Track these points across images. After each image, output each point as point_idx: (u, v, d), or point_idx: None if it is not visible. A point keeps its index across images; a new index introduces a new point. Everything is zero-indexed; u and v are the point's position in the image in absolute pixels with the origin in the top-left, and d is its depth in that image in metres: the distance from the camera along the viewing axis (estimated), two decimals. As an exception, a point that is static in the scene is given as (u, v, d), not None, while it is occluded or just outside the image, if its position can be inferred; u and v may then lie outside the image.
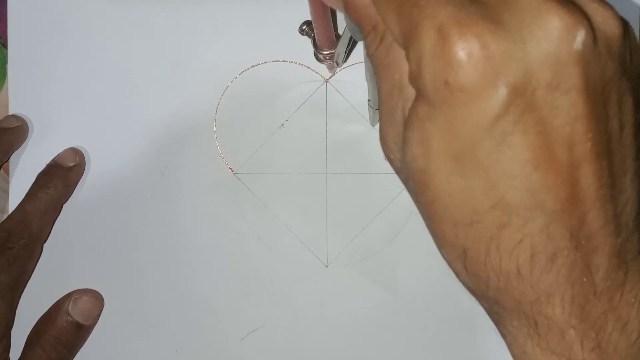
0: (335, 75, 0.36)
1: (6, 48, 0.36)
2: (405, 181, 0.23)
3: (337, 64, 0.35)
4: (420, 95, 0.20)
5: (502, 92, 0.19)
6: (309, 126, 0.36)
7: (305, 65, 0.36)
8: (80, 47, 0.36)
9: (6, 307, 0.33)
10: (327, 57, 0.34)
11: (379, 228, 0.36)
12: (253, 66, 0.36)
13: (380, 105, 0.25)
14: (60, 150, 0.36)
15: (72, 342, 0.35)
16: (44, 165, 0.36)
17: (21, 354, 0.34)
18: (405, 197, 0.36)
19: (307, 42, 0.36)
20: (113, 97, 0.36)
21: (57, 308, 0.35)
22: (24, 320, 0.35)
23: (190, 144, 0.36)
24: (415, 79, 0.20)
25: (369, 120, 0.36)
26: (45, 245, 0.36)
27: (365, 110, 0.36)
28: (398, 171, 0.24)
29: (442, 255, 0.23)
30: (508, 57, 0.19)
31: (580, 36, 0.19)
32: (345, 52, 0.34)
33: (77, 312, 0.35)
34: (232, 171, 0.36)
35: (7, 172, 0.36)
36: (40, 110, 0.36)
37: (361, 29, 0.24)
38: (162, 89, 0.36)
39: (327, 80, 0.36)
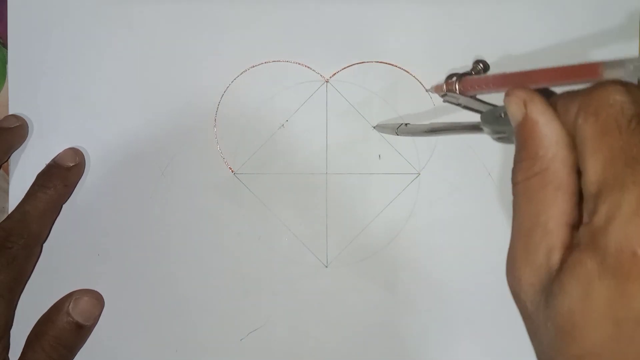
0: (335, 75, 0.36)
1: (6, 48, 0.36)
2: (539, 324, 0.23)
3: (397, 133, 0.35)
4: (593, 250, 0.20)
5: None
6: (309, 126, 0.36)
7: (305, 65, 0.36)
8: (80, 47, 0.36)
9: (5, 307, 0.33)
10: (449, 91, 0.34)
11: (379, 228, 0.36)
12: (253, 66, 0.36)
13: (516, 238, 0.24)
14: (60, 150, 0.36)
15: (72, 343, 0.35)
16: (44, 165, 0.36)
17: (21, 354, 0.34)
18: (405, 197, 0.36)
19: (307, 42, 0.36)
20: (113, 97, 0.36)
21: (58, 308, 0.35)
22: (24, 320, 0.35)
23: (190, 144, 0.36)
24: (596, 233, 0.20)
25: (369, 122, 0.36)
26: (45, 245, 0.36)
27: (365, 110, 0.36)
28: (528, 312, 0.24)
29: None
30: None
31: None
32: (412, 133, 0.34)
33: (77, 312, 0.35)
34: (232, 171, 0.36)
35: (7, 171, 0.36)
36: (40, 110, 0.36)
37: (520, 150, 0.24)
38: (162, 89, 0.36)
39: (327, 80, 0.36)
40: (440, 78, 0.36)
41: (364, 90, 0.36)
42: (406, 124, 0.34)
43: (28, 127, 0.36)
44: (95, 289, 0.36)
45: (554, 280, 0.22)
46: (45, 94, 0.36)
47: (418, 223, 0.36)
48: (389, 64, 0.36)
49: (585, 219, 0.21)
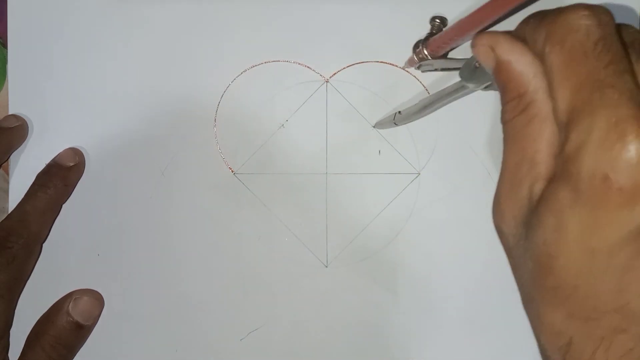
0: (335, 75, 0.36)
1: (6, 48, 0.36)
2: (519, 258, 0.23)
3: (395, 124, 0.35)
4: (565, 179, 0.20)
5: None
6: (309, 126, 0.36)
7: (305, 65, 0.36)
8: (80, 47, 0.36)
9: (5, 307, 0.33)
10: (421, 59, 0.33)
11: (379, 228, 0.36)
12: (253, 66, 0.36)
13: (503, 175, 0.24)
14: (60, 149, 0.36)
15: (72, 342, 0.35)
16: (44, 165, 0.36)
17: (21, 354, 0.34)
18: (405, 197, 0.36)
19: (307, 42, 0.36)
20: (113, 97, 0.36)
21: (58, 308, 0.35)
22: (24, 320, 0.35)
23: (190, 144, 0.36)
24: (568, 161, 0.20)
25: (368, 121, 0.36)
26: (45, 245, 0.36)
27: (365, 110, 0.36)
28: (509, 246, 0.24)
29: (539, 340, 0.23)
30: None
31: None
32: (409, 118, 0.34)
33: (77, 312, 0.35)
34: (232, 171, 0.36)
35: (7, 171, 0.36)
36: (40, 110, 0.36)
37: (503, 93, 0.24)
38: (162, 89, 0.36)
39: (327, 80, 0.36)
40: (441, 78, 0.36)
41: (364, 90, 0.36)
42: (399, 112, 0.34)
43: (28, 127, 0.36)
44: (95, 289, 0.36)
45: (533, 213, 0.22)
46: (45, 93, 0.36)
47: (418, 223, 0.36)
48: (389, 63, 0.36)
49: (558, 148, 0.21)
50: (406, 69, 0.36)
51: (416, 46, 0.34)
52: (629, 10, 0.36)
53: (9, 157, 0.36)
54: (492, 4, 0.26)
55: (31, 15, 0.36)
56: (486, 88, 0.28)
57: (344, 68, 0.36)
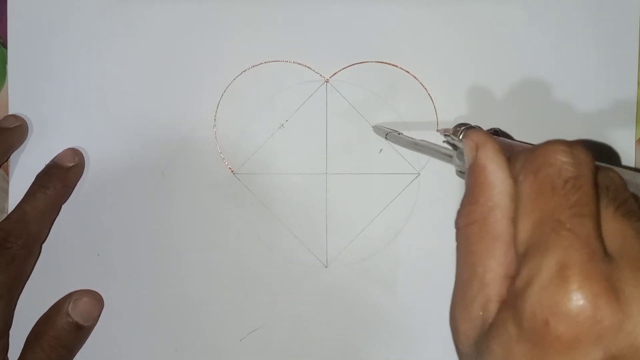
0: (335, 75, 0.36)
1: (6, 48, 0.36)
2: None
3: (386, 138, 0.35)
4: (513, 312, 0.20)
5: (598, 357, 0.18)
6: (309, 126, 0.36)
7: (305, 65, 0.36)
8: (80, 47, 0.36)
9: (4, 307, 0.33)
10: (450, 136, 0.32)
11: (379, 228, 0.36)
12: (253, 66, 0.36)
13: (456, 289, 0.24)
14: (60, 150, 0.36)
15: (71, 343, 0.34)
16: (44, 165, 0.36)
17: (20, 355, 0.33)
18: (405, 197, 0.36)
19: (307, 42, 0.36)
20: (113, 97, 0.36)
21: (57, 309, 0.35)
22: (24, 320, 0.34)
23: (190, 144, 0.36)
24: (516, 295, 0.20)
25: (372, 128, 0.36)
26: (45, 245, 0.36)
27: (364, 110, 0.36)
28: (463, 357, 0.23)
29: None
30: (618, 328, 0.18)
31: None
32: (398, 142, 0.34)
33: (77, 313, 0.35)
34: (232, 171, 0.36)
35: (6, 171, 0.36)
36: (39, 110, 0.36)
37: (465, 194, 0.24)
38: (162, 89, 0.36)
39: (327, 81, 0.36)
40: (441, 78, 0.36)
41: (364, 90, 0.36)
42: (399, 133, 0.34)
43: (27, 127, 0.36)
44: (95, 289, 0.36)
45: (484, 337, 0.21)
46: (45, 93, 0.36)
47: (418, 223, 0.36)
48: (389, 64, 0.36)
49: (510, 270, 0.21)
50: (438, 132, 0.35)
51: (459, 125, 0.33)
52: (630, 7, 0.36)
53: (9, 157, 0.36)
54: None
55: (31, 15, 0.36)
56: (459, 173, 0.28)
57: (344, 68, 0.36)
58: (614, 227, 0.20)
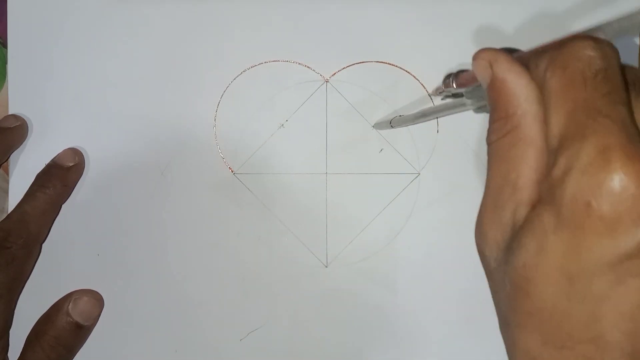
0: (335, 75, 0.36)
1: (6, 48, 0.36)
2: (499, 281, 0.23)
3: (392, 126, 0.35)
4: (549, 203, 0.20)
5: (638, 238, 0.18)
6: (308, 126, 0.36)
7: (305, 65, 0.36)
8: (80, 46, 0.36)
9: (4, 307, 0.33)
10: (444, 90, 0.32)
11: (379, 228, 0.36)
12: (253, 66, 0.36)
13: (486, 198, 0.24)
14: (60, 149, 0.36)
15: (71, 343, 0.34)
16: (44, 165, 0.35)
17: (20, 354, 0.33)
18: (405, 197, 0.36)
19: (307, 42, 0.36)
20: (113, 97, 0.36)
21: (57, 308, 0.35)
22: (23, 320, 0.34)
23: (190, 144, 0.36)
24: (553, 185, 0.20)
25: (367, 120, 0.36)
26: (44, 245, 0.36)
27: (364, 110, 0.36)
28: (490, 269, 0.24)
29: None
30: None
31: None
32: (405, 123, 0.34)
33: (77, 312, 0.35)
34: (232, 171, 0.36)
35: (6, 171, 0.36)
36: (39, 110, 0.36)
37: (492, 112, 0.24)
38: (162, 89, 0.36)
39: (327, 80, 0.36)
40: (440, 77, 0.36)
41: (364, 90, 0.36)
42: (400, 115, 0.34)
43: (28, 127, 0.36)
44: (95, 289, 0.36)
45: (515, 237, 0.22)
46: (45, 93, 0.36)
47: (418, 223, 0.36)
48: (389, 63, 0.36)
49: (542, 175, 0.21)
50: (432, 96, 0.36)
51: (446, 78, 0.34)
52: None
53: (9, 157, 0.36)
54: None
55: (31, 15, 0.36)
56: (479, 109, 0.28)
57: (344, 68, 0.36)
58: None
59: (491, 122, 0.24)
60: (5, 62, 0.36)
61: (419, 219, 0.36)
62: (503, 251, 0.22)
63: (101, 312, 0.36)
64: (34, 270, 0.35)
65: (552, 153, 0.20)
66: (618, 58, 0.21)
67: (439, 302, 0.36)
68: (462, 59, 0.36)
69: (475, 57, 0.25)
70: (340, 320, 0.36)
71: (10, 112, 0.36)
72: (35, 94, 0.36)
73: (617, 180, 0.18)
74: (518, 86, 0.23)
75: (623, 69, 0.21)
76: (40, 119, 0.36)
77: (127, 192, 0.36)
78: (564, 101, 0.20)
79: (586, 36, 0.21)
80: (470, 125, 0.36)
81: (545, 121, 0.22)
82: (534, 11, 0.36)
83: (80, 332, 0.35)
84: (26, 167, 0.36)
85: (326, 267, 0.36)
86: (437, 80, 0.36)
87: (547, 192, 0.20)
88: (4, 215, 0.35)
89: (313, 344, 0.36)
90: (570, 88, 0.20)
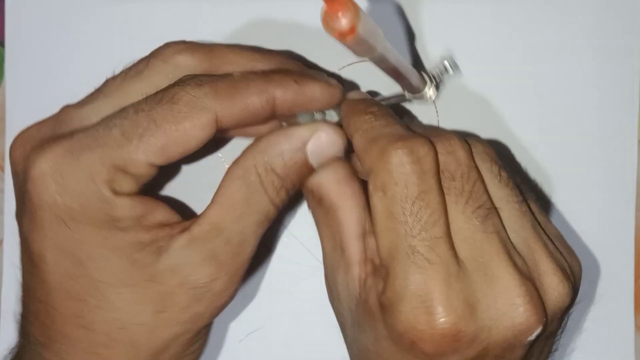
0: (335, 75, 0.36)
1: (3, 47, 0.36)
2: (347, 324, 0.27)
3: None
4: (383, 320, 0.23)
5: None
6: (308, 126, 0.36)
7: (305, 65, 0.36)
8: (79, 46, 0.36)
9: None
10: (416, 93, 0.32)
11: (379, 228, 0.36)
12: (253, 65, 0.36)
13: (324, 259, 0.28)
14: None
15: (294, 189, 0.27)
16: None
17: (220, 189, 0.27)
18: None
19: (307, 42, 0.36)
20: (111, 97, 0.36)
21: (290, 138, 0.26)
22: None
23: (189, 143, 0.36)
24: (384, 307, 0.23)
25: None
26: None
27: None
28: (340, 316, 0.27)
29: None
30: (474, 338, 0.22)
31: (537, 331, 0.22)
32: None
33: (315, 150, 0.26)
34: (232, 171, 0.36)
35: (2, 170, 0.36)
36: (37, 109, 0.36)
37: (318, 226, 0.27)
38: (161, 89, 0.36)
39: (327, 80, 0.36)
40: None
41: (364, 89, 0.36)
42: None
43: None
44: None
45: (358, 318, 0.25)
46: (43, 93, 0.36)
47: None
48: (390, 63, 0.36)
49: (377, 282, 0.24)
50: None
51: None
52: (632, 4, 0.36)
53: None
54: None
55: (29, 14, 0.36)
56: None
57: (344, 67, 0.36)
58: (464, 228, 0.22)
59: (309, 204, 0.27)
60: (2, 61, 0.36)
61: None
62: (352, 319, 0.26)
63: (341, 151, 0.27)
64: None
65: (381, 267, 0.23)
66: (435, 162, 0.23)
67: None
68: (462, 58, 0.36)
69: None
70: (340, 321, 0.36)
71: (7, 112, 0.36)
72: (33, 93, 0.36)
73: (438, 327, 0.21)
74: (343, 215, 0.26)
75: (437, 151, 0.23)
76: (38, 118, 0.36)
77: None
78: (387, 229, 0.23)
79: (401, 143, 0.22)
80: (470, 125, 0.36)
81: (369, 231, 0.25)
82: (534, 10, 0.36)
83: (307, 176, 0.27)
84: (23, 167, 0.35)
85: (326, 267, 0.36)
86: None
87: (382, 308, 0.23)
88: (3, 216, 0.34)
89: (313, 344, 0.36)
90: (390, 217, 0.22)
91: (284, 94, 0.25)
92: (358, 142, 0.24)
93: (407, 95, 0.32)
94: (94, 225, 0.23)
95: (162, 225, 0.25)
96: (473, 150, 0.24)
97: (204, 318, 0.25)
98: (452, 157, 0.23)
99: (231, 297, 0.26)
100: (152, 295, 0.24)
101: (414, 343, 0.22)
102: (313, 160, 0.26)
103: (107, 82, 0.27)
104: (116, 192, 0.24)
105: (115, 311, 0.24)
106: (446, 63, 0.32)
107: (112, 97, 0.26)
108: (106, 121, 0.24)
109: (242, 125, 0.26)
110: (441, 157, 0.23)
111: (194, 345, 0.27)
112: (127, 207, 0.24)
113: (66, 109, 0.27)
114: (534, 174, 0.36)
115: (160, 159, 0.24)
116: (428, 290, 0.21)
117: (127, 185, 0.24)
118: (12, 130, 0.36)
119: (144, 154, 0.24)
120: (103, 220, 0.23)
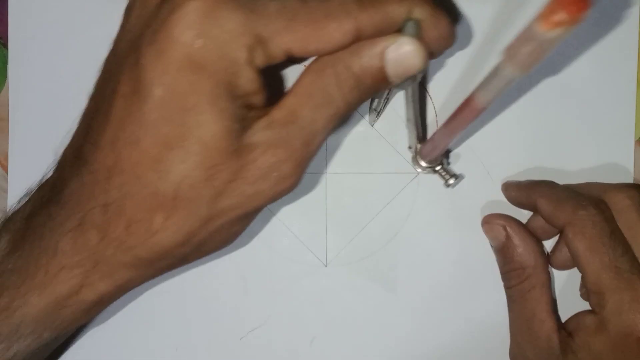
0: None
1: (7, 48, 0.36)
2: None
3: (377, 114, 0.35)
4: (600, 334, 0.29)
5: None
6: (308, 126, 0.36)
7: (305, 65, 0.36)
8: (81, 47, 0.36)
9: None
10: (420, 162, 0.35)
11: (378, 227, 0.36)
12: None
13: (519, 329, 0.33)
14: (61, 150, 0.36)
15: (367, 95, 0.26)
16: (44, 166, 0.35)
17: (297, 82, 0.26)
18: (405, 197, 0.36)
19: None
20: (113, 97, 0.36)
21: (371, 44, 0.25)
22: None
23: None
24: (606, 321, 0.29)
25: (368, 121, 0.36)
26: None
27: (365, 110, 0.36)
28: None
29: None
30: None
31: None
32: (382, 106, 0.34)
33: (393, 60, 0.25)
34: (232, 171, 0.36)
35: (6, 170, 0.36)
36: (40, 110, 0.36)
37: (507, 263, 0.33)
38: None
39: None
40: (440, 78, 0.36)
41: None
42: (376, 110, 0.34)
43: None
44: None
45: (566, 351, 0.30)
46: (46, 94, 0.36)
47: (417, 222, 0.36)
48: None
49: (594, 309, 0.30)
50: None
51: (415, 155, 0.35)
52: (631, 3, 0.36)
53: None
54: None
55: (32, 15, 0.36)
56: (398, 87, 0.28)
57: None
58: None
59: (507, 271, 0.33)
60: (5, 62, 0.36)
61: (418, 219, 0.36)
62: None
63: (423, 69, 0.25)
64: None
65: (594, 296, 0.30)
66: (613, 215, 0.31)
67: (439, 302, 0.36)
68: (462, 58, 0.36)
69: (490, 221, 0.34)
70: (340, 319, 0.36)
71: (10, 113, 0.36)
72: (36, 94, 0.36)
73: None
74: (529, 245, 0.33)
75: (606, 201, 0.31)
76: (41, 119, 0.36)
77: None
78: (593, 260, 0.29)
79: (588, 202, 0.30)
80: (470, 125, 0.36)
81: (548, 267, 0.33)
82: (533, 12, 0.36)
83: (381, 85, 0.26)
84: (25, 167, 0.36)
85: (326, 266, 0.36)
86: (438, 80, 0.36)
87: (598, 325, 0.30)
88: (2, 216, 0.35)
89: (313, 343, 0.36)
90: (594, 251, 0.29)
91: (421, 13, 0.25)
92: (547, 205, 0.32)
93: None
94: (216, 82, 0.23)
95: (255, 105, 0.25)
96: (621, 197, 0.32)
97: (263, 197, 0.26)
98: (613, 201, 0.31)
99: (293, 185, 0.27)
100: (228, 164, 0.24)
101: (631, 334, 0.28)
102: (389, 68, 0.25)
103: None
104: (248, 61, 0.24)
105: (193, 170, 0.24)
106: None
107: None
108: None
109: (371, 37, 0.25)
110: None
111: (237, 226, 0.27)
112: (248, 79, 0.24)
113: None
114: (532, 174, 0.36)
115: (297, 50, 0.24)
116: (637, 296, 0.28)
117: (259, 60, 0.24)
118: (15, 131, 0.36)
119: (288, 38, 0.24)
120: (226, 81, 0.23)
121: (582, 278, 0.31)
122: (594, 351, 0.29)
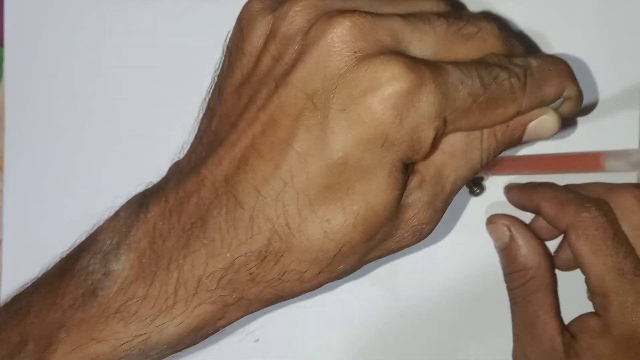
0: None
1: (2, 47, 0.36)
2: None
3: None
4: (606, 334, 0.29)
5: None
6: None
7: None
8: (79, 46, 0.36)
9: None
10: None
11: (379, 228, 0.36)
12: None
13: (522, 332, 0.33)
14: (58, 149, 0.36)
15: (501, 151, 0.27)
16: (40, 166, 0.35)
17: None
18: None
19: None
20: (111, 97, 0.36)
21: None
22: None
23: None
24: (610, 323, 0.29)
25: None
26: (43, 246, 0.35)
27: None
28: None
29: None
30: None
31: None
32: None
33: (533, 130, 0.26)
34: (231, 170, 0.36)
35: (1, 170, 0.36)
36: (36, 109, 0.36)
37: (510, 265, 0.33)
38: (162, 90, 0.36)
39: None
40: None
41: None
42: None
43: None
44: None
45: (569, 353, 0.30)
46: (43, 93, 0.36)
47: (418, 222, 0.36)
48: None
49: (598, 312, 0.30)
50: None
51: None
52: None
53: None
54: (553, 162, 0.33)
55: (28, 14, 0.36)
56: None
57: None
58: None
59: (510, 272, 0.33)
60: (1, 61, 0.36)
61: (419, 219, 0.36)
62: None
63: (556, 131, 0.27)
64: (25, 271, 0.35)
65: (597, 297, 0.30)
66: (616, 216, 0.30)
67: (439, 302, 0.36)
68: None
69: (493, 221, 0.34)
70: (340, 320, 0.36)
71: (7, 112, 0.36)
72: (33, 93, 0.36)
73: None
74: (533, 247, 0.32)
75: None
76: (37, 118, 0.36)
77: (126, 192, 0.36)
78: (596, 262, 0.29)
79: (591, 204, 0.30)
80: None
81: (553, 269, 0.33)
82: (537, 6, 0.36)
83: (511, 147, 0.27)
84: (22, 167, 0.36)
85: (326, 267, 0.36)
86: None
87: (602, 327, 0.30)
88: (1, 217, 0.35)
89: (313, 344, 0.36)
90: (597, 252, 0.29)
91: (570, 93, 0.26)
92: (549, 208, 0.31)
93: None
94: (399, 158, 0.23)
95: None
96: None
97: (396, 250, 0.26)
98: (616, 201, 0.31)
99: (420, 240, 0.27)
100: (386, 227, 0.25)
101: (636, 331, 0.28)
102: (526, 135, 0.27)
103: None
104: (432, 140, 0.24)
105: (359, 233, 0.24)
106: None
107: None
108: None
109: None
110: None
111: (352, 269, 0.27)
112: (424, 153, 0.24)
113: None
114: (534, 175, 0.36)
115: (465, 128, 0.25)
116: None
117: (438, 136, 0.24)
118: (12, 130, 0.36)
119: (464, 120, 0.24)
120: (407, 156, 0.23)
121: (586, 280, 0.30)
122: (597, 354, 0.29)
